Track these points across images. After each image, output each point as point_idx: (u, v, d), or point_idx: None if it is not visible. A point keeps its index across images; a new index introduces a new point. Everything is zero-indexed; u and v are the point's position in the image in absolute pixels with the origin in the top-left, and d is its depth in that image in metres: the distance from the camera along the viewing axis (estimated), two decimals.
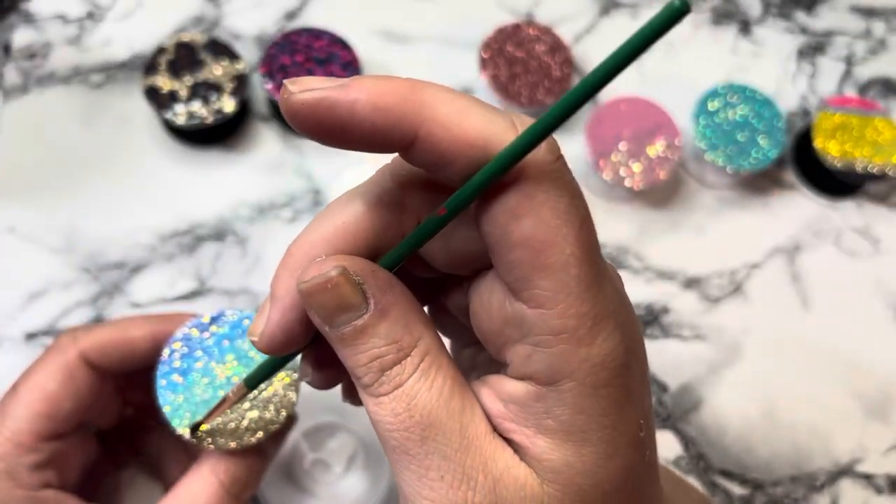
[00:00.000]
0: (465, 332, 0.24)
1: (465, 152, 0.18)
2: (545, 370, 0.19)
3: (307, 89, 0.18)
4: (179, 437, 0.32)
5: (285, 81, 0.18)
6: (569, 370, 0.19)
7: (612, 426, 0.19)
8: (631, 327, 0.20)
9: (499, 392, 0.20)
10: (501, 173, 0.18)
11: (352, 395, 0.25)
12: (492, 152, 0.18)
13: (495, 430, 0.20)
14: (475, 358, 0.25)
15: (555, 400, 0.19)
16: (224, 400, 0.28)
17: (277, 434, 0.35)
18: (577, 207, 0.19)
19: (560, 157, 0.19)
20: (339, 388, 0.43)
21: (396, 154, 0.20)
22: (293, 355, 0.23)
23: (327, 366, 0.23)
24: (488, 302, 0.20)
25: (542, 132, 0.17)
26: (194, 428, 0.31)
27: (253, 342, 0.21)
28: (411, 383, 0.20)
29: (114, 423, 0.37)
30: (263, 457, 0.34)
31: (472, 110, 0.18)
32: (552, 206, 0.18)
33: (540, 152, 0.18)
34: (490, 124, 0.18)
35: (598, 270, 0.19)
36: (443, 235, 0.20)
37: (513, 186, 0.18)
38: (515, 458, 0.20)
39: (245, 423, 0.31)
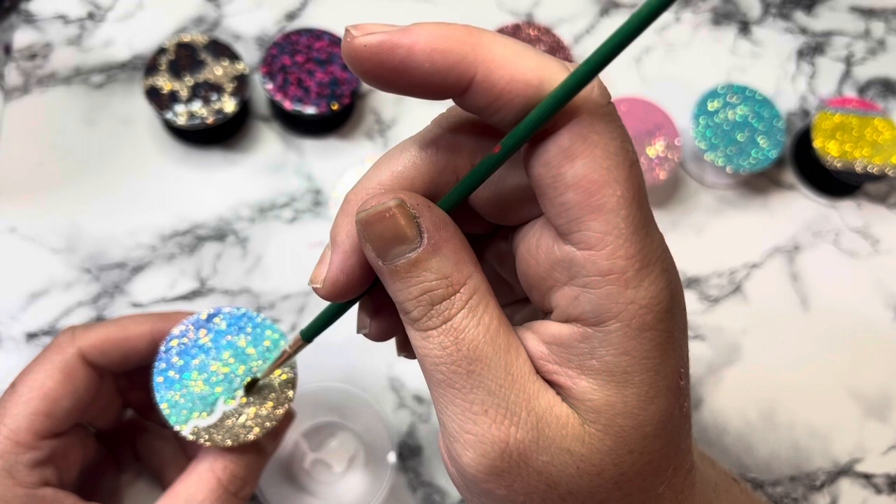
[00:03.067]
0: (505, 290, 0.24)
1: (521, 91, 0.18)
2: (592, 311, 0.19)
3: (369, 33, 0.19)
4: (177, 435, 0.32)
5: (347, 26, 0.19)
6: (615, 311, 0.19)
7: (655, 369, 0.20)
8: (675, 275, 0.20)
9: (542, 335, 0.21)
10: (558, 109, 0.18)
11: (406, 349, 0.26)
12: (545, 91, 0.18)
13: (538, 372, 0.21)
14: (513, 316, 0.25)
15: (600, 341, 0.19)
16: (282, 354, 0.28)
17: (275, 431, 0.35)
18: (627, 150, 0.19)
19: (611, 103, 0.19)
20: (338, 391, 0.43)
21: (449, 105, 0.20)
22: (350, 304, 0.23)
23: (384, 314, 0.24)
24: (536, 247, 0.21)
25: (596, 65, 0.17)
26: (249, 386, 0.32)
27: (315, 290, 0.22)
28: (459, 318, 0.20)
29: (114, 423, 0.37)
30: (262, 454, 0.34)
31: (526, 52, 0.19)
32: (604, 147, 0.19)
33: (593, 94, 0.19)
34: (544, 65, 0.19)
35: (646, 215, 0.19)
36: (492, 183, 0.21)
37: (566, 128, 0.18)
38: (557, 399, 0.20)
39: (242, 420, 0.32)
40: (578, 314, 0.20)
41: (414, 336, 0.21)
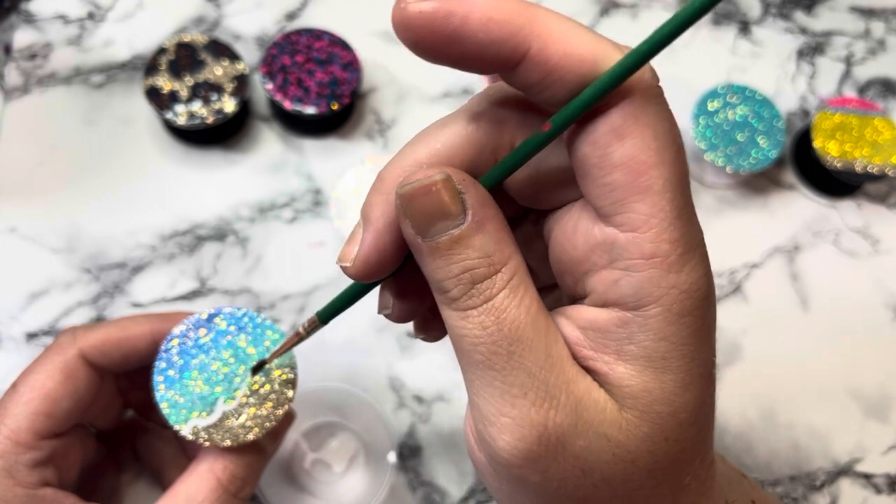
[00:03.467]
0: (533, 277, 0.24)
1: (574, 68, 0.18)
2: (632, 294, 0.19)
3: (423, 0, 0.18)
4: (176, 435, 0.32)
5: None
6: (657, 295, 0.19)
7: (691, 356, 0.19)
8: (710, 264, 0.20)
9: (577, 320, 0.20)
10: (613, 88, 0.18)
11: (424, 330, 0.25)
12: (600, 69, 0.18)
13: (574, 357, 0.20)
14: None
15: (639, 325, 0.19)
16: (296, 335, 0.27)
17: (275, 432, 0.35)
18: (674, 134, 0.19)
19: (660, 86, 0.19)
20: (338, 391, 0.43)
21: (490, 84, 0.20)
22: (371, 286, 0.23)
23: (408, 296, 0.23)
24: (573, 230, 0.20)
25: (653, 48, 0.17)
26: (257, 367, 0.31)
27: (344, 268, 0.21)
28: (501, 298, 0.19)
29: (114, 423, 0.37)
30: (262, 455, 0.34)
31: (581, 29, 0.18)
32: (654, 129, 0.18)
33: (646, 75, 0.18)
34: (599, 43, 0.18)
35: (689, 200, 0.19)
36: (530, 165, 0.20)
37: (618, 107, 0.18)
38: (595, 384, 0.20)
39: (242, 420, 0.32)
40: (617, 298, 0.19)
41: (451, 316, 0.20)
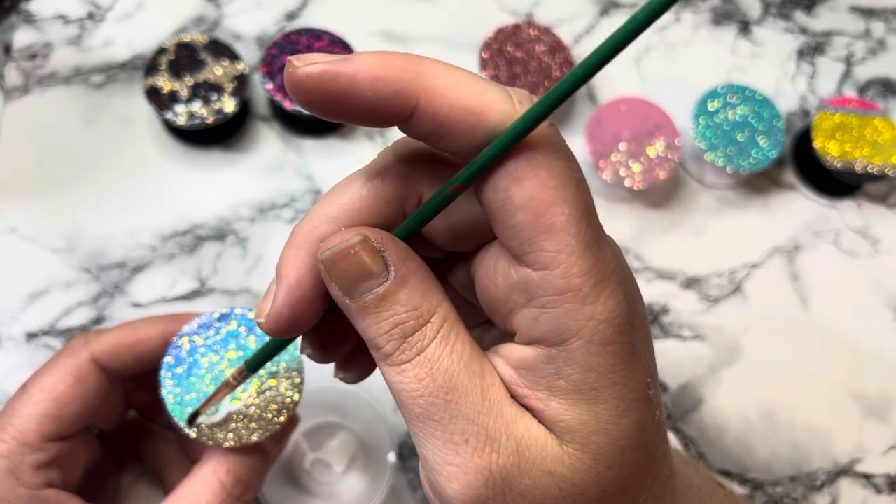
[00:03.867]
0: (471, 312, 0.24)
1: (463, 119, 0.19)
2: (552, 331, 0.19)
3: (311, 63, 0.19)
4: (181, 435, 0.32)
5: (289, 57, 0.19)
6: (576, 328, 0.19)
7: (622, 382, 0.20)
8: (632, 287, 0.20)
9: (509, 359, 0.21)
10: (516, 142, 0.18)
11: (344, 370, 0.26)
12: (487, 118, 0.19)
13: (511, 396, 0.21)
14: (482, 338, 0.25)
15: (564, 360, 0.19)
16: (225, 384, 0.28)
17: (279, 435, 0.35)
18: (572, 170, 0.19)
19: (553, 125, 0.19)
20: (338, 391, 0.43)
21: (396, 138, 0.21)
22: (293, 338, 0.23)
23: (328, 342, 0.24)
24: (493, 271, 0.21)
25: (553, 103, 0.18)
26: (193, 416, 0.31)
27: (259, 324, 0.22)
28: (433, 348, 0.20)
29: (117, 424, 0.37)
30: (266, 458, 0.34)
31: (468, 79, 0.19)
32: (549, 168, 0.19)
33: None
34: (486, 92, 0.19)
35: (596, 231, 0.19)
36: (444, 212, 0.21)
37: (512, 153, 0.19)
38: (534, 421, 0.20)
39: (246, 421, 0.32)
40: (540, 335, 0.20)
41: (388, 372, 0.21)
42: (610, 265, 0.19)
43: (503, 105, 0.19)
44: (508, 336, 0.21)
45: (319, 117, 0.20)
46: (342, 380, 0.26)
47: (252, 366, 0.26)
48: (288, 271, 0.21)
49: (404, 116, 0.19)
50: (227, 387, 0.28)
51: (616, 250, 0.21)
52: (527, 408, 0.20)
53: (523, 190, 0.19)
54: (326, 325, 0.23)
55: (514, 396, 0.21)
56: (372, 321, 0.20)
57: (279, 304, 0.21)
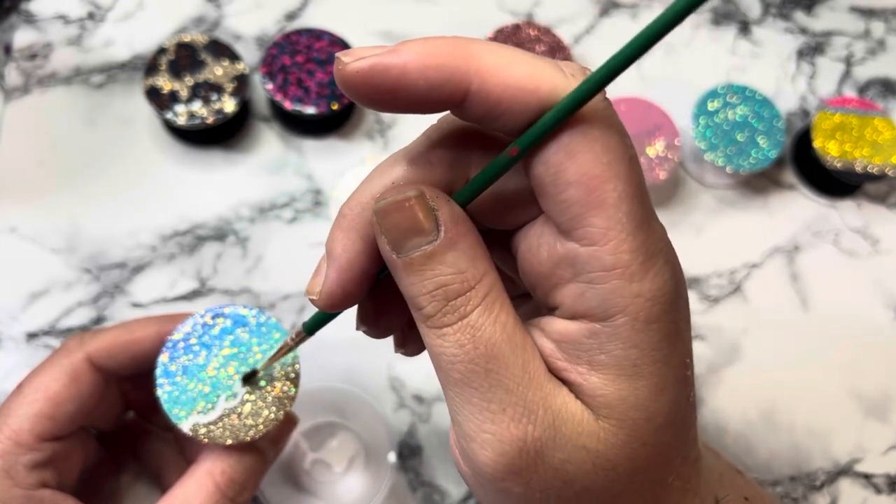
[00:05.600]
0: (508, 285, 0.24)
1: (517, 97, 0.19)
2: (598, 306, 0.19)
3: (359, 58, 0.19)
4: (180, 435, 0.32)
5: (338, 54, 0.19)
6: (622, 305, 0.19)
7: (663, 361, 0.20)
8: (677, 267, 0.20)
9: (549, 332, 0.21)
10: (574, 111, 0.18)
11: (404, 345, 0.26)
12: (542, 94, 0.18)
13: (549, 369, 0.21)
14: (517, 311, 0.26)
15: (608, 335, 0.19)
16: (283, 346, 0.28)
17: (277, 435, 0.35)
18: (626, 146, 0.19)
19: (608, 100, 0.19)
20: (338, 391, 0.43)
21: (442, 114, 0.21)
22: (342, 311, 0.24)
23: (384, 313, 0.24)
24: (537, 247, 0.21)
25: (616, 69, 0.17)
26: (248, 377, 0.32)
27: (312, 301, 0.22)
28: (476, 315, 0.20)
29: (114, 425, 0.37)
30: (262, 460, 0.34)
31: (518, 57, 0.19)
32: (604, 143, 0.19)
33: None
34: (537, 68, 0.19)
35: (647, 209, 0.20)
36: (492, 190, 0.21)
37: (566, 126, 0.19)
38: (571, 396, 0.20)
39: (243, 418, 0.32)
40: (585, 310, 0.20)
41: (428, 334, 0.21)
42: (658, 243, 0.20)
43: (556, 79, 0.19)
44: (545, 311, 0.21)
45: (373, 110, 0.20)
46: (403, 354, 0.26)
47: (309, 327, 0.26)
48: (339, 252, 0.21)
49: (457, 101, 0.19)
50: (285, 348, 0.29)
51: (663, 229, 0.21)
52: (563, 381, 0.20)
53: (577, 165, 0.19)
54: (379, 301, 0.23)
55: (551, 370, 0.21)
56: (416, 279, 0.20)
57: (331, 283, 0.22)
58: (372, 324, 0.25)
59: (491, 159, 0.20)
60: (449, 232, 0.20)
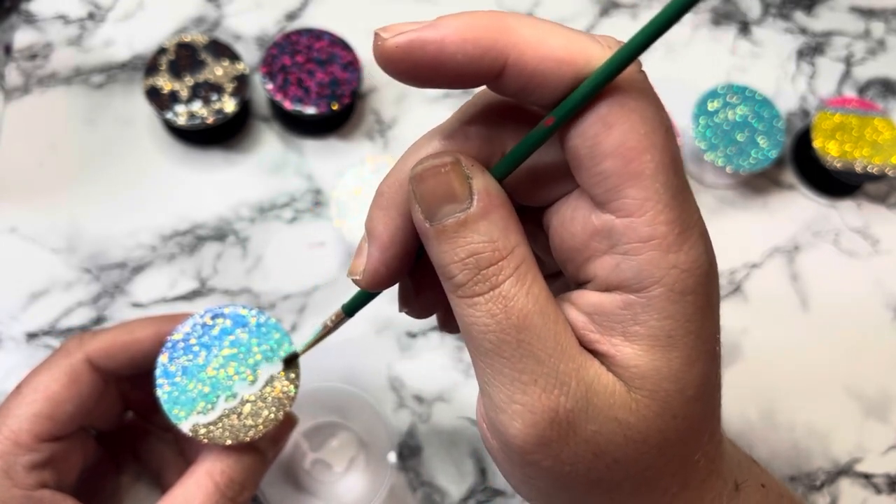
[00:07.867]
0: (540, 265, 0.25)
1: (554, 69, 0.19)
2: (634, 277, 0.19)
3: (398, 33, 0.19)
4: (180, 435, 0.32)
5: (376, 30, 0.19)
6: (658, 276, 0.19)
7: (696, 332, 0.20)
8: (709, 241, 0.20)
9: (582, 306, 0.21)
10: (610, 79, 0.18)
11: (449, 323, 0.26)
12: (578, 66, 0.18)
13: (580, 342, 0.21)
14: None
15: (643, 306, 0.19)
16: (323, 328, 0.29)
17: (277, 435, 0.35)
18: (662, 117, 0.19)
19: (643, 71, 0.19)
20: (338, 391, 0.43)
21: (474, 92, 0.21)
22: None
23: (425, 291, 0.24)
24: (571, 219, 0.21)
25: (649, 37, 0.17)
26: (290, 360, 0.32)
27: (355, 281, 0.22)
28: (508, 286, 0.20)
29: (114, 425, 0.37)
30: (262, 460, 0.34)
31: (554, 30, 0.19)
32: (641, 114, 0.19)
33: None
34: (573, 41, 0.19)
35: (682, 180, 0.19)
36: (526, 165, 0.21)
37: (603, 97, 0.19)
38: (603, 368, 0.20)
39: (243, 418, 0.32)
40: (620, 281, 0.20)
41: (459, 304, 0.20)
42: (693, 215, 0.20)
43: (592, 50, 0.19)
44: (574, 287, 0.21)
45: (411, 85, 0.20)
46: (448, 332, 0.26)
47: (349, 309, 0.26)
48: (380, 230, 0.22)
49: (494, 75, 0.19)
50: (326, 331, 0.29)
51: (696, 203, 0.21)
52: (596, 353, 0.20)
53: (613, 136, 0.18)
54: (418, 281, 0.23)
55: (582, 342, 0.20)
56: (448, 247, 0.20)
57: (374, 261, 0.22)
58: (413, 304, 0.25)
59: (524, 132, 0.20)
60: (482, 201, 0.20)
